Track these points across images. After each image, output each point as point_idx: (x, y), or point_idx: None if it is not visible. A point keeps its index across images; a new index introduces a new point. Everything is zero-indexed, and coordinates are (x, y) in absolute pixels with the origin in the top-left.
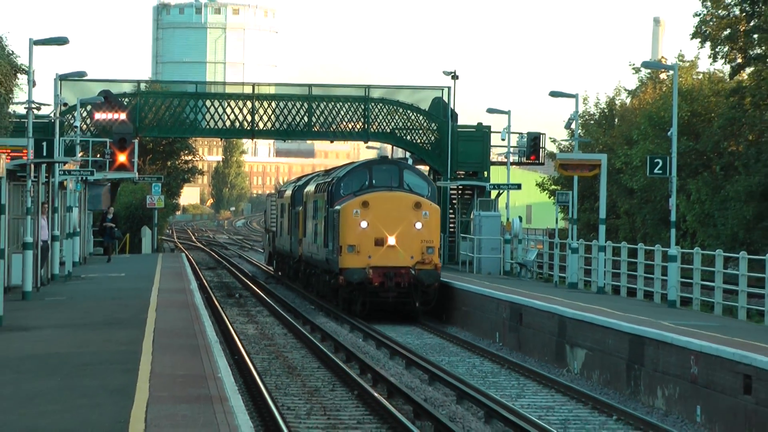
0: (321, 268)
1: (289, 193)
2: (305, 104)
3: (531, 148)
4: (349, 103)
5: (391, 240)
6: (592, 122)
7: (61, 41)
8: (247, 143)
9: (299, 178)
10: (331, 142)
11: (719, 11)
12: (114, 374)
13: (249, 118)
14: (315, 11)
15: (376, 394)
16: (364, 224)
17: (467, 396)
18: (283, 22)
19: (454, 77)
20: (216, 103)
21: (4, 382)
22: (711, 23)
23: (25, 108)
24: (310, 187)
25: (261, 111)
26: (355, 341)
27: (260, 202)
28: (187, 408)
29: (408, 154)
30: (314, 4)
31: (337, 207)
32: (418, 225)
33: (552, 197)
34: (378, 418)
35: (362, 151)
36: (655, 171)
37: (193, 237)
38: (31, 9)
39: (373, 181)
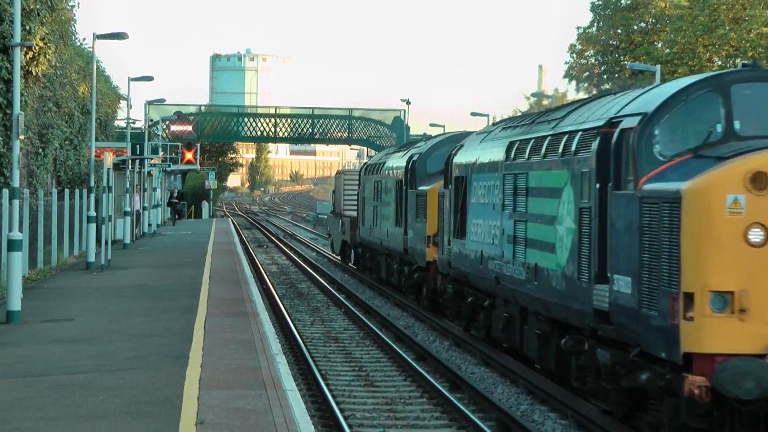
0: (551, 321)
1: (395, 164)
2: (310, 120)
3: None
4: (338, 120)
5: None
6: None
7: (149, 78)
8: (271, 146)
9: (407, 146)
10: (327, 145)
11: (581, 60)
12: (183, 298)
13: (272, 129)
14: (316, 60)
15: (354, 309)
16: (756, 236)
17: None
18: (296, 67)
19: (408, 102)
20: (251, 120)
21: (111, 303)
22: (576, 68)
23: (125, 122)
24: (491, 151)
25: (280, 125)
26: None
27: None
28: (231, 320)
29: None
30: (315, 56)
31: (673, 187)
32: None
33: None
34: (357, 326)
35: (348, 152)
36: None
37: (236, 208)
38: (128, 55)
39: (736, 124)
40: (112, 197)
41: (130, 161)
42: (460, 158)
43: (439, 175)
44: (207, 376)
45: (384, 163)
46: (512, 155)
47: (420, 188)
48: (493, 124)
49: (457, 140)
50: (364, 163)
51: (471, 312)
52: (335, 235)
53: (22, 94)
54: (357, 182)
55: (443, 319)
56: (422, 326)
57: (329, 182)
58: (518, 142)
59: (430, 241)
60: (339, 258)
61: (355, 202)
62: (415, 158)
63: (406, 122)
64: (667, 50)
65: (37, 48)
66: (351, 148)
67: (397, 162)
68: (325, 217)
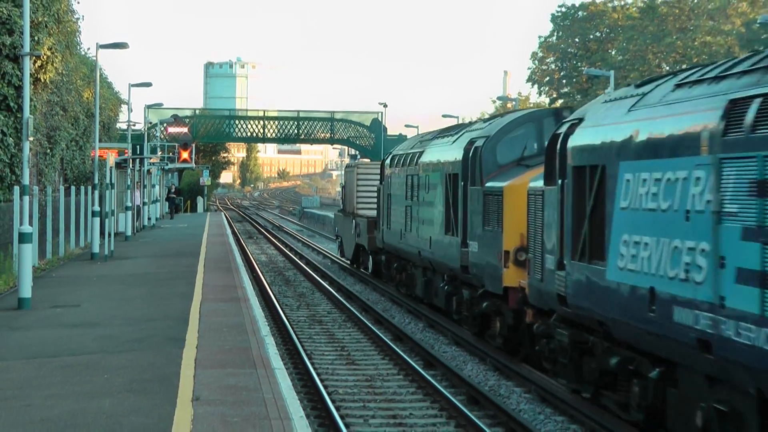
0: None
1: (442, 153)
2: (295, 122)
3: None
4: (321, 121)
5: None
6: None
7: (148, 85)
8: (260, 146)
9: (455, 130)
10: (311, 145)
11: (542, 67)
12: (180, 285)
13: (261, 130)
14: (301, 67)
15: (337, 295)
16: None
17: None
18: (283, 73)
19: (385, 105)
20: (241, 122)
21: (114, 290)
22: (537, 73)
23: (126, 125)
24: (669, 122)
25: (268, 126)
26: None
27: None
28: (225, 305)
29: (358, 153)
30: (301, 64)
31: None
32: None
33: None
34: (339, 310)
35: (331, 152)
36: None
37: (228, 203)
38: (128, 63)
39: None
40: (115, 193)
41: (130, 160)
42: (588, 137)
43: (514, 166)
44: (202, 357)
45: (422, 152)
46: (748, 123)
47: (490, 185)
48: (638, 84)
49: (537, 118)
50: (389, 153)
51: (601, 376)
52: (346, 237)
53: (31, 100)
54: (375, 176)
55: (519, 366)
56: (399, 310)
57: (313, 179)
58: (763, 98)
59: (509, 259)
60: (349, 263)
61: (374, 200)
62: (478, 144)
63: (383, 123)
64: (620, 57)
65: (45, 57)
66: (333, 148)
67: (446, 151)
68: (311, 210)
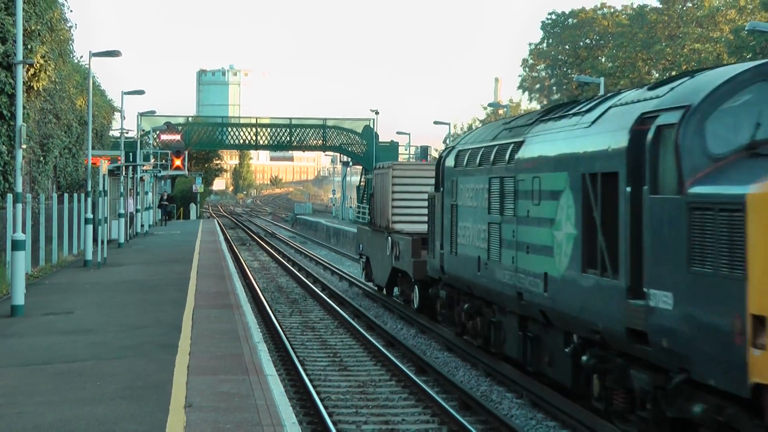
0: None
1: (574, 141)
2: (287, 129)
3: (422, 155)
4: (313, 129)
5: None
6: None
7: (141, 92)
8: (252, 153)
9: (589, 104)
10: (304, 152)
11: (533, 74)
12: (173, 292)
13: (253, 137)
14: (293, 75)
15: (330, 301)
16: None
17: None
18: (274, 80)
19: (377, 113)
20: (234, 129)
21: (107, 297)
22: (528, 81)
23: (119, 132)
24: None
25: (261, 133)
26: None
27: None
28: (217, 311)
29: (350, 160)
30: (293, 71)
31: None
32: None
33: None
34: (332, 317)
35: (323, 158)
36: None
37: (221, 209)
38: (121, 71)
39: None
40: (108, 200)
41: (123, 168)
42: None
43: (744, 157)
44: (195, 363)
45: (520, 143)
46: None
47: (704, 191)
48: None
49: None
50: (449, 148)
51: None
52: (376, 258)
53: (24, 107)
54: (419, 180)
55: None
56: (391, 316)
57: (306, 186)
58: None
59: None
60: (377, 289)
61: (418, 212)
62: (664, 122)
63: (375, 130)
64: (610, 64)
65: (38, 65)
66: (325, 155)
67: (577, 138)
68: (304, 217)
